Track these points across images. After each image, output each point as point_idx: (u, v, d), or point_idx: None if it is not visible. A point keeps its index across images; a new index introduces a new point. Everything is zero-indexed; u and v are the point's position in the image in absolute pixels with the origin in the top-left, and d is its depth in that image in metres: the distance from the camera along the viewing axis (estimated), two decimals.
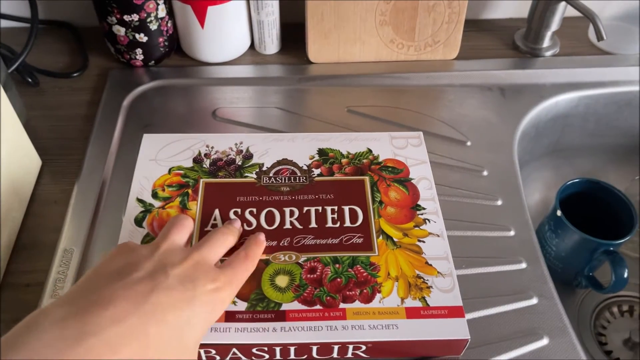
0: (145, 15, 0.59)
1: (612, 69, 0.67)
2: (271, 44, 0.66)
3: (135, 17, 0.58)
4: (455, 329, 0.38)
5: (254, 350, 0.37)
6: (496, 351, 0.42)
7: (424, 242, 0.42)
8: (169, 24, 0.63)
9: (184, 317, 0.32)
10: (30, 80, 0.62)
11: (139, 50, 0.62)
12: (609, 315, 0.62)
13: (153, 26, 0.60)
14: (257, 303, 0.38)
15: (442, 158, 0.56)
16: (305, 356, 0.38)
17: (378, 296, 0.39)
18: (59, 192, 0.52)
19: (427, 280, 0.40)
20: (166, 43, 0.63)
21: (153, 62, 0.64)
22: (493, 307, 0.45)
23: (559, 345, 0.43)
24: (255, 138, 0.49)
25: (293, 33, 0.67)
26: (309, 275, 0.40)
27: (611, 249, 0.54)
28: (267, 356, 0.38)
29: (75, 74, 0.64)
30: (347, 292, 0.39)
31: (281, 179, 0.46)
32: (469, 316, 0.44)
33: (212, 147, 0.48)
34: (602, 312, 0.62)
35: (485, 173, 0.55)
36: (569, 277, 0.60)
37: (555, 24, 0.66)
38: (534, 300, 0.45)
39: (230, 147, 0.48)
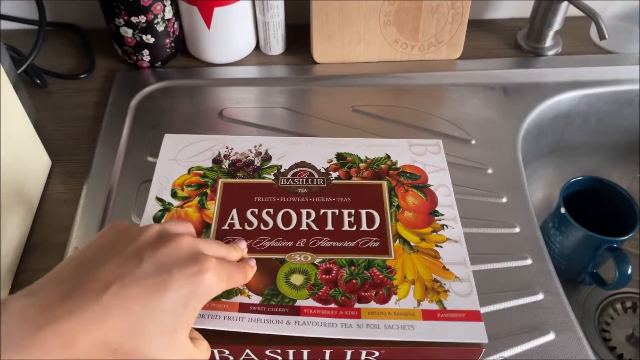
0: (152, 16, 0.59)
1: (613, 68, 0.68)
2: (276, 45, 0.67)
3: (142, 18, 0.59)
4: (472, 332, 0.37)
5: (267, 352, 0.37)
6: (503, 346, 0.43)
7: (441, 247, 0.42)
8: (176, 26, 0.63)
9: (152, 305, 0.30)
10: (38, 81, 0.63)
11: (145, 52, 0.62)
12: (612, 312, 0.63)
13: (160, 27, 0.61)
14: (272, 298, 0.38)
15: (447, 156, 0.56)
16: None
17: (394, 298, 0.39)
18: (68, 192, 0.53)
19: (444, 284, 0.40)
20: (173, 44, 0.64)
21: (159, 63, 0.65)
22: (499, 302, 0.45)
23: (565, 340, 0.43)
24: (273, 141, 0.50)
25: (298, 34, 0.68)
26: (324, 276, 0.40)
27: (615, 245, 0.55)
28: (280, 358, 0.38)
29: (82, 76, 0.65)
30: (363, 293, 0.39)
31: (299, 181, 0.46)
32: None
33: (232, 149, 0.49)
34: (605, 308, 0.63)
35: (489, 171, 0.56)
36: (572, 274, 0.61)
37: (557, 24, 0.67)
38: (539, 296, 0.46)
39: (249, 149, 0.49)
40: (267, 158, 0.48)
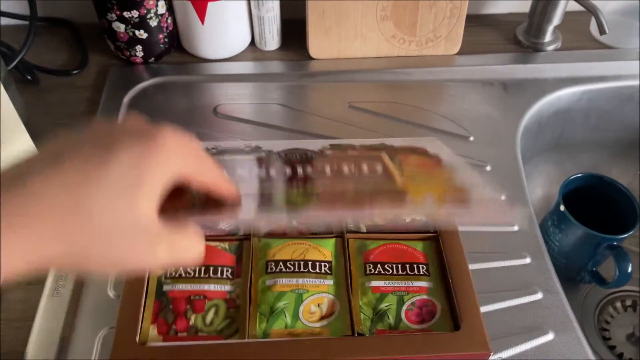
0: (145, 11, 0.58)
1: (614, 63, 0.67)
2: (272, 40, 0.66)
3: (135, 13, 0.58)
4: (506, 212, 0.36)
5: None
6: (502, 346, 0.42)
7: (454, 180, 0.39)
8: (169, 21, 0.62)
9: (98, 175, 0.24)
10: (29, 78, 0.62)
11: (139, 47, 0.61)
12: (612, 311, 0.62)
13: (153, 23, 0.60)
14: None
15: None
16: None
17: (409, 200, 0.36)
18: None
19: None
20: (166, 40, 0.63)
21: (153, 58, 0.64)
22: (498, 302, 0.44)
23: (565, 341, 0.42)
24: (265, 142, 0.49)
25: (293, 29, 0.67)
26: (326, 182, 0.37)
27: (615, 243, 0.54)
28: None
29: (75, 72, 0.64)
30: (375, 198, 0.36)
31: (293, 155, 0.44)
32: None
33: (220, 146, 0.48)
34: (605, 307, 0.62)
35: (488, 168, 0.55)
36: (572, 272, 0.60)
37: (557, 19, 0.66)
38: (538, 295, 0.45)
39: (239, 147, 0.48)
40: (258, 148, 0.47)
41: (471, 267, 0.46)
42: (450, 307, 0.40)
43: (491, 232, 0.49)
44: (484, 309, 0.44)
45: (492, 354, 0.37)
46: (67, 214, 0.23)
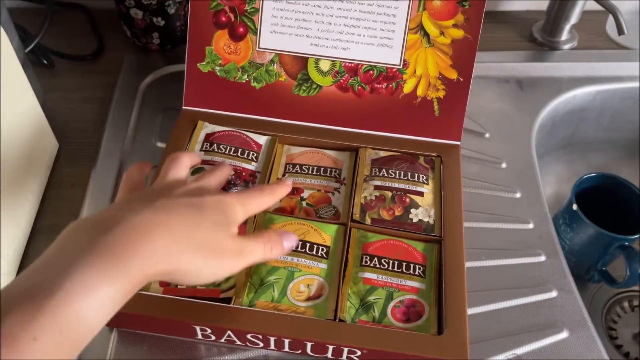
0: None
1: (629, 64, 0.67)
2: None
3: (153, 0, 0.57)
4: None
5: (248, 336, 0.38)
6: (516, 343, 0.42)
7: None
8: (187, 8, 0.62)
9: (190, 221, 0.32)
10: (46, 62, 0.61)
11: (155, 34, 0.61)
12: (619, 310, 0.62)
13: (171, 10, 0.59)
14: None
15: (461, 149, 0.55)
16: (300, 351, 0.38)
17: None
18: (76, 175, 0.52)
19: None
20: (183, 27, 0.63)
21: (169, 46, 0.63)
22: (513, 299, 0.45)
23: (579, 339, 0.43)
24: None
25: None
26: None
27: (626, 244, 0.55)
28: (261, 344, 0.38)
29: (90, 57, 0.64)
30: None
31: None
32: (488, 307, 0.44)
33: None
34: (613, 306, 0.63)
35: (503, 165, 0.55)
36: (581, 271, 0.60)
37: (574, 17, 0.65)
38: (553, 293, 0.45)
39: None
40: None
41: (486, 263, 0.47)
42: (439, 312, 0.40)
43: (506, 229, 0.50)
44: (498, 305, 0.44)
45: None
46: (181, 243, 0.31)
